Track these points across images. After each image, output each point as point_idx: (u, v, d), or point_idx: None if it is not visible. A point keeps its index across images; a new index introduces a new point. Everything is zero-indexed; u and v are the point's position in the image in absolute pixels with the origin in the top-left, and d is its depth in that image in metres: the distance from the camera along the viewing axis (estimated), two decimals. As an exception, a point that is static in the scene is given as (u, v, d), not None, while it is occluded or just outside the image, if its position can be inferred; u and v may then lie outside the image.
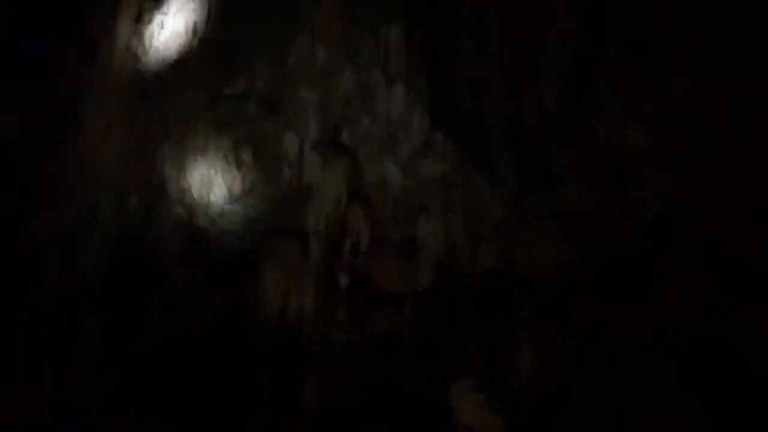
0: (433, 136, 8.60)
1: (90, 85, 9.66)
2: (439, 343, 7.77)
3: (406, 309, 8.13)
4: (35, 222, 8.71)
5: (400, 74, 8.61)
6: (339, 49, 8.70)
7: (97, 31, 9.96)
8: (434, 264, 8.43)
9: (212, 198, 8.96)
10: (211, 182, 8.97)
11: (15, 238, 8.53)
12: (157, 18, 10.06)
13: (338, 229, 8.52)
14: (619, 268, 8.07)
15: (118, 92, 9.44)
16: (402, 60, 8.62)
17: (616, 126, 8.83)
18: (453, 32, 9.25)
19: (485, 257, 8.45)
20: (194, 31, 9.85)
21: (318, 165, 8.68)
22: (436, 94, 8.76)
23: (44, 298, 7.85)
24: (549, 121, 9.25)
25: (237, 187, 8.93)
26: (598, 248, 8.22)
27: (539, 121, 9.27)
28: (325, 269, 8.32)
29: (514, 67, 9.51)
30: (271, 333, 7.92)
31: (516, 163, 8.92)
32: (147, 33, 10.03)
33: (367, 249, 8.53)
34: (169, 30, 9.99)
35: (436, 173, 8.56)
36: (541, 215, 8.46)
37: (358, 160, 8.74)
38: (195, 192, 8.97)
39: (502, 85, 9.41)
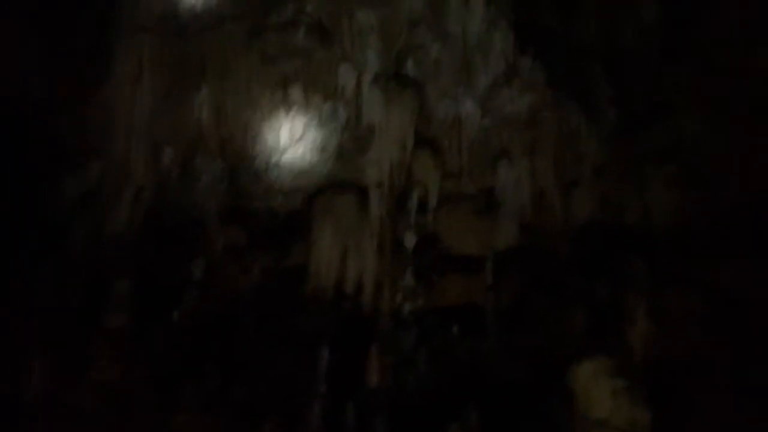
0: (519, 60, 7.16)
1: (117, 25, 8.65)
2: (530, 313, 6.53)
3: (487, 273, 6.90)
4: (60, 182, 7.88)
5: (478, -16, 7.14)
6: (403, -42, 7.28)
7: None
8: (518, 218, 7.22)
9: (257, 147, 7.88)
10: (255, 128, 7.89)
11: (39, 200, 7.72)
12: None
13: (403, 180, 7.39)
14: (751, 216, 6.59)
15: (148, 30, 8.36)
16: (481, -33, 7.13)
17: (738, 45, 7.27)
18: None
19: (582, 207, 7.17)
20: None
21: (380, 103, 7.48)
22: (521, 9, 7.30)
23: (70, 266, 7.07)
24: (651, 41, 7.77)
25: (285, 133, 7.83)
26: (725, 192, 6.77)
27: (639, 41, 7.79)
28: (389, 228, 7.22)
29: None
30: (327, 302, 6.87)
31: (617, 90, 7.47)
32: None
33: (437, 203, 7.37)
34: (202, -45, 8.81)
35: (521, 107, 7.20)
36: (652, 153, 7.03)
37: (427, 96, 7.47)
38: (237, 141, 7.95)
39: (595, 3, 7.93)
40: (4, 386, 6.03)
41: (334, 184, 7.46)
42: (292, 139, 7.85)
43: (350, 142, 7.64)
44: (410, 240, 7.07)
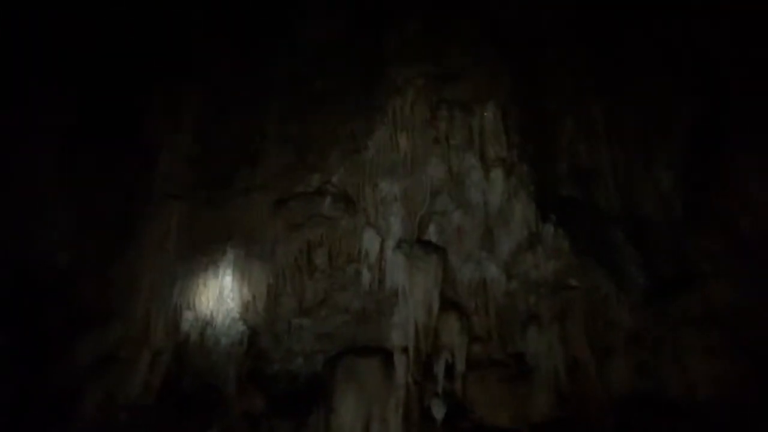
0: (541, 227, 7.12)
1: (147, 193, 8.85)
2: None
3: (523, 447, 6.25)
4: (76, 345, 7.56)
5: (498, 158, 7.34)
6: (425, 134, 7.55)
7: (156, 136, 9.38)
8: (553, 388, 6.65)
9: (279, 311, 7.76)
10: (278, 292, 7.83)
11: (52, 364, 7.36)
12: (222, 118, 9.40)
13: (429, 344, 7.07)
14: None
15: (178, 198, 8.56)
16: (500, 142, 7.35)
17: (758, 207, 7.26)
18: (553, 112, 8.12)
19: (620, 377, 6.69)
20: (262, 131, 9.07)
21: (403, 267, 7.36)
22: (541, 180, 7.42)
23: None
24: (671, 206, 7.80)
25: (308, 296, 7.73)
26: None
27: (660, 207, 7.83)
28: (416, 396, 6.71)
29: (623, 149, 8.27)
30: (350, 480, 6.15)
31: (644, 257, 7.34)
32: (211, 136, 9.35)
33: (466, 369, 6.86)
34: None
35: (547, 273, 7.04)
36: (688, 321, 6.71)
37: (451, 260, 7.37)
38: (259, 304, 7.85)
39: (611, 169, 8.11)
40: None
41: (357, 347, 7.13)
42: (315, 301, 7.66)
43: (374, 305, 7.48)
44: (439, 410, 6.50)
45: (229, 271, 8.03)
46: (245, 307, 7.78)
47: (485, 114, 7.61)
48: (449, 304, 7.22)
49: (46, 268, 8.15)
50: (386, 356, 6.98)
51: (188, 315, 7.80)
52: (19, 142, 8.97)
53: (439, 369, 6.85)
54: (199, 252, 8.20)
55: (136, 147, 9.00)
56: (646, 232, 7.64)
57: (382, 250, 7.71)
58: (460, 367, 6.87)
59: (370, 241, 7.81)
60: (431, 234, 7.62)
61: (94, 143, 8.79)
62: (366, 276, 7.64)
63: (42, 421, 6.85)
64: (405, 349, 6.92)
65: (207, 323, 7.74)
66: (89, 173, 8.67)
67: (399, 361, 6.86)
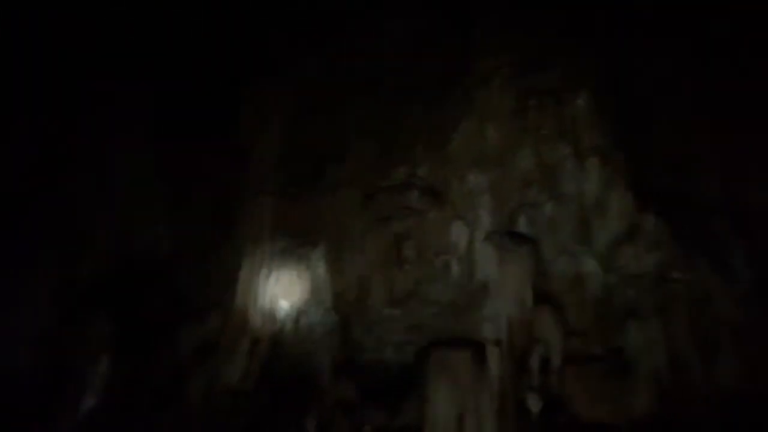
0: (640, 218, 6.80)
1: (241, 190, 9.10)
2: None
3: (623, 445, 6.04)
4: (180, 333, 7.88)
5: (593, 147, 7.06)
6: (514, 124, 7.37)
7: (248, 136, 9.63)
8: (654, 384, 6.39)
9: (369, 302, 7.85)
10: (368, 283, 7.92)
11: (160, 349, 7.71)
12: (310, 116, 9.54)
13: (523, 337, 6.88)
14: None
15: (270, 195, 8.75)
16: (595, 130, 7.08)
17: None
18: (649, 99, 7.74)
19: (725, 374, 6.29)
20: (347, 127, 9.14)
21: (493, 259, 7.27)
22: (638, 169, 7.09)
23: (188, 417, 6.75)
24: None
25: (398, 287, 7.76)
26: None
27: (764, 197, 7.31)
28: (510, 389, 6.60)
29: (724, 136, 7.76)
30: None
31: (749, 249, 6.88)
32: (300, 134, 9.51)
33: (562, 363, 6.67)
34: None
35: (647, 265, 6.73)
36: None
37: (544, 252, 7.15)
38: (350, 295, 7.88)
39: (715, 159, 7.64)
40: None
41: (449, 339, 7.08)
42: (405, 292, 7.68)
43: (464, 297, 7.40)
44: (535, 403, 6.36)
45: (321, 263, 8.17)
46: (337, 297, 7.90)
47: (577, 102, 7.38)
48: (543, 297, 7.06)
49: (148, 262, 8.54)
50: (478, 348, 6.91)
51: (283, 305, 8.00)
52: (122, 142, 9.44)
53: (534, 362, 6.70)
54: (292, 245, 8.39)
55: (229, 146, 9.30)
56: (749, 222, 7.18)
57: (471, 242, 7.65)
58: (556, 361, 6.71)
59: (458, 233, 7.77)
60: (522, 226, 7.48)
61: (191, 143, 9.12)
62: (455, 268, 7.59)
63: (149, 405, 7.18)
64: (498, 342, 6.83)
65: (301, 313, 7.90)
66: (187, 171, 9.02)
67: (492, 353, 6.77)
